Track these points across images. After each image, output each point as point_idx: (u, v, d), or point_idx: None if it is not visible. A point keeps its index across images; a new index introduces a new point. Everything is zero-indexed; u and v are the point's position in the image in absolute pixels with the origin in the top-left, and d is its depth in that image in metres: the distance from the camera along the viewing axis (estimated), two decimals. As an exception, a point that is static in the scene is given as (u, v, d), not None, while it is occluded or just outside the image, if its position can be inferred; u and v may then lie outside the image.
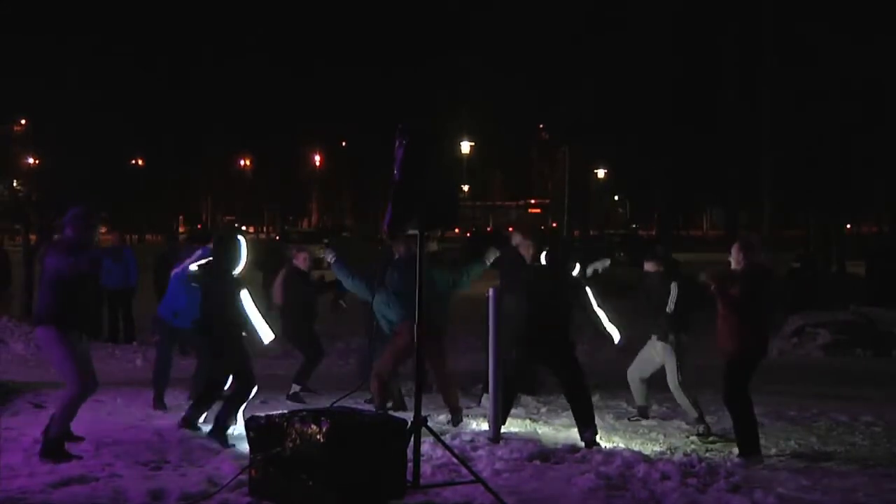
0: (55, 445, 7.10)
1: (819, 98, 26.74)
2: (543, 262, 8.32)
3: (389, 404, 9.28)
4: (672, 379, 8.96)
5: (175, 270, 9.33)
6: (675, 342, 8.96)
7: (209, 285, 8.16)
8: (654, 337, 9.12)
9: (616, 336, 8.77)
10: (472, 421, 8.86)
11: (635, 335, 9.29)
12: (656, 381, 9.40)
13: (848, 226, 37.12)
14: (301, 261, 10.66)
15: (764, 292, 7.93)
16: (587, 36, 30.12)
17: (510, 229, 9.86)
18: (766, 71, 26.87)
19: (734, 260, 7.93)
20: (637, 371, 9.33)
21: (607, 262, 9.01)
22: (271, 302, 10.92)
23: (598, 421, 8.28)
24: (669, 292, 8.99)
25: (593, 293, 8.67)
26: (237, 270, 8.03)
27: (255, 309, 8.11)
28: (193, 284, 8.58)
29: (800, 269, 19.62)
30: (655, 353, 9.15)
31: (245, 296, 8.03)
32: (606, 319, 8.71)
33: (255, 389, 8.08)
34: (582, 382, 8.18)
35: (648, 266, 9.28)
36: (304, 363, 10.43)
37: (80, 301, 7.27)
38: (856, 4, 26.44)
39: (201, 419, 8.23)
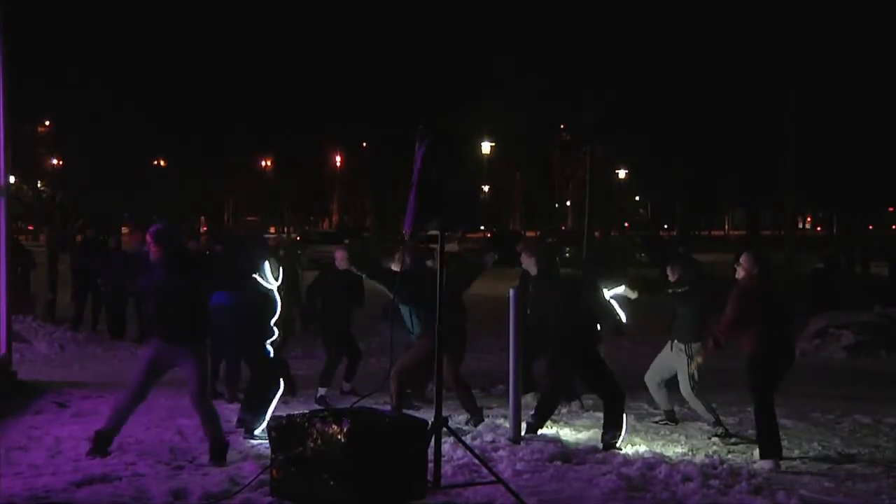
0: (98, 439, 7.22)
1: (843, 97, 26.54)
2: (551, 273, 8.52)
3: (419, 403, 9.37)
4: (685, 385, 8.91)
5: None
6: (693, 350, 8.89)
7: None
8: (674, 342, 9.08)
9: (623, 318, 8.75)
10: (492, 421, 8.86)
11: (646, 334, 9.28)
12: (675, 384, 9.33)
13: (871, 226, 36.83)
14: (339, 260, 10.59)
15: (778, 303, 7.87)
16: (609, 36, 30.02)
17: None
18: (791, 70, 26.70)
19: (743, 269, 7.86)
20: (654, 375, 9.25)
21: (629, 294, 9.06)
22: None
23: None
24: (691, 303, 8.97)
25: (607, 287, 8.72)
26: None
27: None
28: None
29: (823, 270, 19.49)
30: (671, 358, 9.10)
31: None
32: (617, 306, 8.70)
33: (280, 390, 8.36)
34: (608, 388, 8.19)
35: (672, 275, 9.20)
36: (327, 363, 10.42)
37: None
38: (880, 3, 26.24)
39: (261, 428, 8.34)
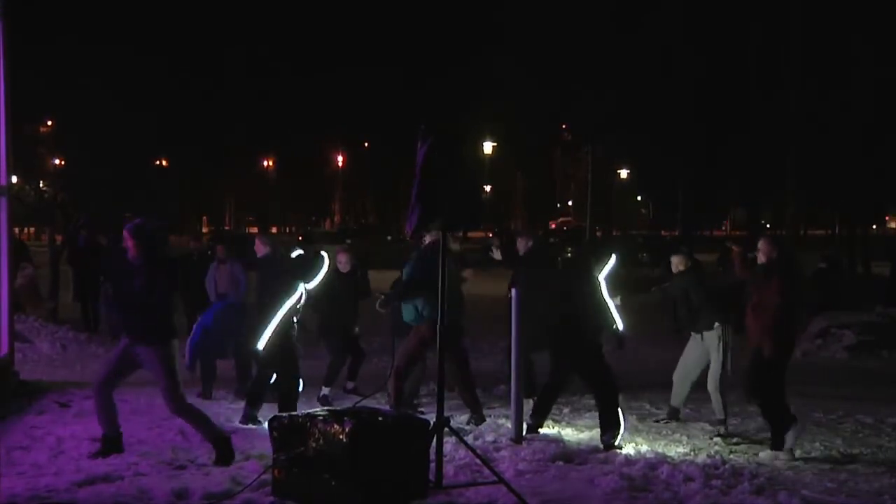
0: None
1: (844, 96, 26.54)
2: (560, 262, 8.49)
3: (418, 401, 9.38)
4: (715, 374, 8.80)
5: None
6: (723, 335, 8.80)
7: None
8: (694, 335, 9.03)
9: (620, 325, 8.65)
10: (494, 421, 8.85)
11: (646, 334, 9.24)
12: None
13: (873, 226, 36.89)
14: (343, 263, 10.57)
15: (796, 290, 7.90)
16: (611, 36, 30.07)
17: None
18: (790, 70, 26.73)
19: (763, 253, 7.88)
20: (687, 374, 9.15)
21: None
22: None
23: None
24: (695, 288, 8.95)
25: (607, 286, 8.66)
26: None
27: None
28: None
29: (825, 270, 19.48)
30: (700, 349, 8.99)
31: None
32: (614, 309, 8.62)
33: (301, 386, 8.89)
34: (601, 386, 8.16)
35: (676, 261, 9.17)
36: (331, 362, 10.40)
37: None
38: (880, 4, 26.26)
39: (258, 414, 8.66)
